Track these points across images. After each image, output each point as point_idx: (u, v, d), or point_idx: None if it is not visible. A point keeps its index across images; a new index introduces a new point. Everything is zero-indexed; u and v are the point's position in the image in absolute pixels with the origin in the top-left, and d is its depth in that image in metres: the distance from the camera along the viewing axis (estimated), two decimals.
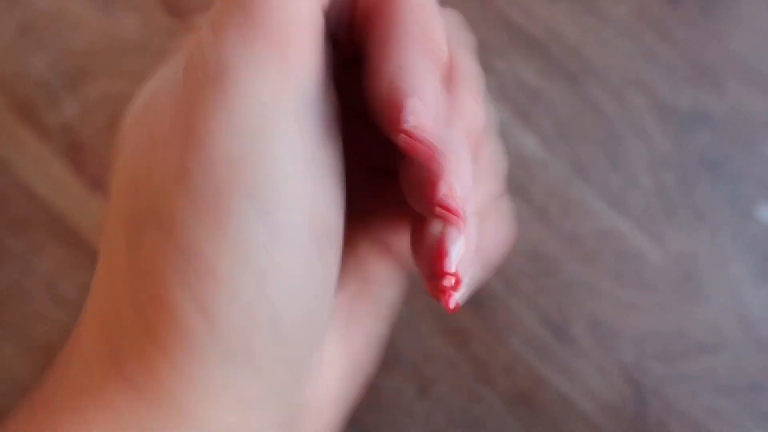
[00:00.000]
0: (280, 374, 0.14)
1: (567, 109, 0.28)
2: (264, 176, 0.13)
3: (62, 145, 0.29)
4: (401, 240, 0.18)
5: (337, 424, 0.17)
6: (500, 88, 0.28)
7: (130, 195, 0.14)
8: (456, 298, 0.14)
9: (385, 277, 0.18)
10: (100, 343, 0.14)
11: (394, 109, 0.13)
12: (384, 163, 0.18)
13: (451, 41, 0.16)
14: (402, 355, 0.27)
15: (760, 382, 0.26)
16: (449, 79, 0.15)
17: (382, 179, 0.18)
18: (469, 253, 0.14)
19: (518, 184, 0.28)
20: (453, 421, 0.27)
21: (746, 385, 0.26)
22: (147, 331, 0.13)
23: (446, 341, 0.27)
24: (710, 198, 0.28)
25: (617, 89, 0.28)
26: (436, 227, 0.14)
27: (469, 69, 0.16)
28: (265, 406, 0.14)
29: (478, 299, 0.28)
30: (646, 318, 0.27)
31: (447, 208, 0.13)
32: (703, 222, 0.27)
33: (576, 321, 0.27)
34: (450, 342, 0.27)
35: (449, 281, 0.14)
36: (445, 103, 0.14)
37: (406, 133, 0.13)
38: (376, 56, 0.14)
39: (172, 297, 0.13)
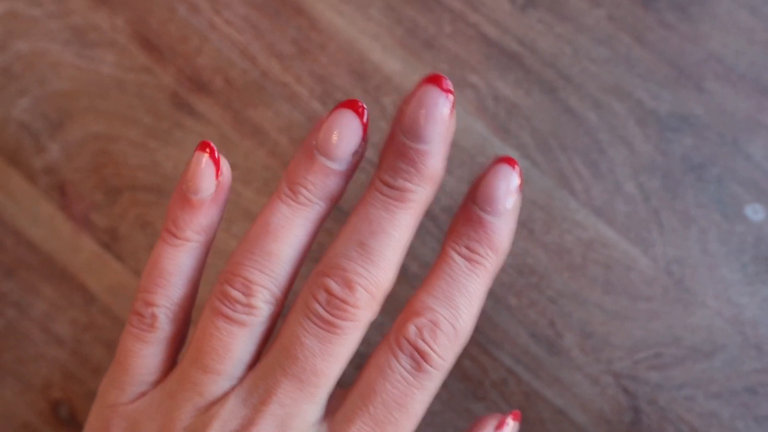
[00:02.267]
0: None
1: (546, 121, 0.28)
2: None
3: (49, 187, 0.30)
4: None
5: None
6: (477, 103, 0.28)
7: None
8: None
9: None
10: None
11: None
12: None
13: None
14: None
15: (755, 385, 0.26)
16: None
17: None
18: None
19: None
20: None
21: (741, 389, 0.26)
22: None
23: None
24: (696, 201, 0.27)
25: (596, 97, 0.28)
26: None
27: None
28: None
29: None
30: (638, 326, 0.27)
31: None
32: (691, 226, 0.27)
33: (567, 333, 0.27)
34: None
35: None
36: None
37: None
38: None
39: None
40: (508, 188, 0.18)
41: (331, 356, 0.17)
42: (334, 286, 0.17)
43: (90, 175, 0.30)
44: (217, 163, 0.18)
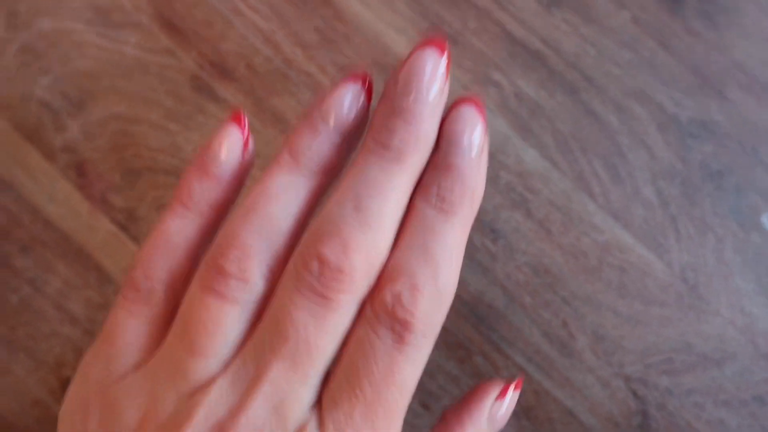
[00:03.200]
0: None
1: (568, 122, 0.28)
2: None
3: (67, 166, 0.30)
4: None
5: None
6: (500, 101, 0.28)
7: None
8: None
9: None
10: None
11: None
12: None
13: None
14: None
15: (764, 395, 0.26)
16: None
17: None
18: None
19: (520, 198, 0.28)
20: None
21: (751, 398, 0.26)
22: None
23: (449, 356, 0.27)
24: (714, 209, 0.27)
25: (618, 100, 0.28)
26: None
27: None
28: None
29: (480, 314, 0.28)
30: (651, 331, 0.27)
31: None
32: (707, 234, 0.27)
33: (580, 335, 0.27)
34: (453, 357, 0.27)
35: None
36: None
37: None
38: None
39: None
40: (471, 127, 0.16)
41: (327, 332, 0.15)
42: (328, 252, 0.15)
43: (109, 155, 0.30)
44: (247, 138, 0.17)
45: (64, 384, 0.29)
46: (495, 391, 0.19)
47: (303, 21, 0.29)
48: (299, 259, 0.16)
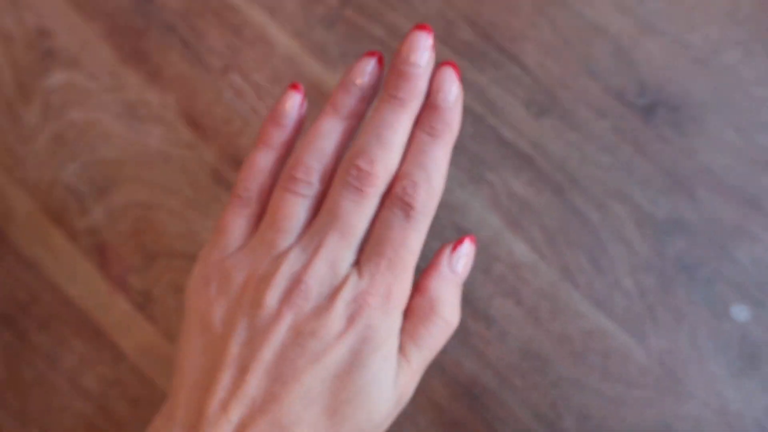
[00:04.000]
0: None
1: (554, 218, 0.31)
2: None
3: (89, 248, 0.32)
4: None
5: None
6: (493, 198, 0.31)
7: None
8: None
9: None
10: None
11: None
12: None
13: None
14: None
15: None
16: None
17: None
18: None
19: (510, 287, 0.30)
20: None
21: None
22: None
23: None
24: (687, 299, 0.30)
25: (599, 199, 0.31)
26: None
27: None
28: None
29: (473, 394, 0.30)
30: (632, 412, 0.29)
31: None
32: (682, 322, 0.30)
33: (566, 415, 0.29)
34: None
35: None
36: None
37: None
38: None
39: None
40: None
41: (362, 213, 0.23)
42: (362, 163, 0.23)
43: (129, 239, 0.32)
44: (303, 98, 0.26)
45: None
46: (450, 245, 0.25)
47: (312, 121, 0.32)
48: (344, 169, 0.24)
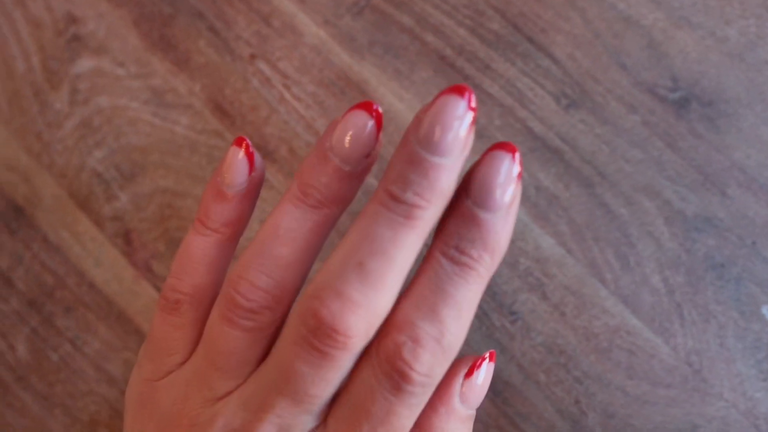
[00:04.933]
0: None
1: (582, 213, 0.30)
2: None
3: (115, 233, 0.32)
4: None
5: None
6: (521, 192, 0.31)
7: None
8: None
9: None
10: None
11: None
12: None
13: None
14: None
15: None
16: None
17: None
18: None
19: (537, 282, 0.30)
20: None
21: None
22: None
23: None
24: (716, 298, 0.29)
25: (628, 195, 0.30)
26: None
27: None
28: None
29: (496, 389, 0.29)
30: (658, 412, 0.29)
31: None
32: (710, 321, 0.29)
33: (590, 412, 0.29)
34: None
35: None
36: None
37: None
38: None
39: None
40: (507, 178, 0.15)
41: (325, 381, 0.16)
42: (325, 312, 0.15)
43: (155, 226, 0.32)
44: (251, 158, 0.18)
45: None
46: (464, 369, 0.18)
47: (342, 110, 0.32)
48: (299, 313, 0.16)
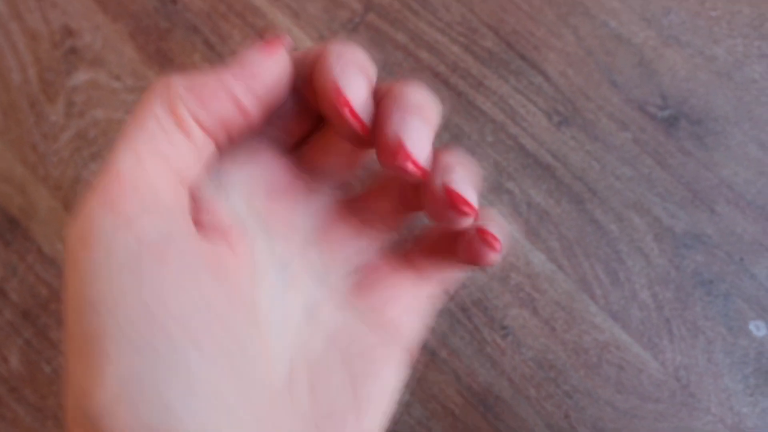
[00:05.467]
0: None
1: (573, 229, 0.31)
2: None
3: None
4: None
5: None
6: (512, 208, 0.31)
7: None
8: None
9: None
10: None
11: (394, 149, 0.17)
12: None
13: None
14: None
15: None
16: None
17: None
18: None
19: (527, 297, 0.30)
20: None
21: None
22: None
23: None
24: (705, 314, 0.30)
25: (618, 211, 0.31)
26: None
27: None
28: None
29: (487, 403, 0.30)
30: (646, 426, 0.29)
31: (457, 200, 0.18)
32: (699, 336, 0.30)
33: (580, 426, 0.29)
34: None
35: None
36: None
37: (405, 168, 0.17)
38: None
39: None
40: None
41: None
42: None
43: None
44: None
45: None
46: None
47: None
48: None
